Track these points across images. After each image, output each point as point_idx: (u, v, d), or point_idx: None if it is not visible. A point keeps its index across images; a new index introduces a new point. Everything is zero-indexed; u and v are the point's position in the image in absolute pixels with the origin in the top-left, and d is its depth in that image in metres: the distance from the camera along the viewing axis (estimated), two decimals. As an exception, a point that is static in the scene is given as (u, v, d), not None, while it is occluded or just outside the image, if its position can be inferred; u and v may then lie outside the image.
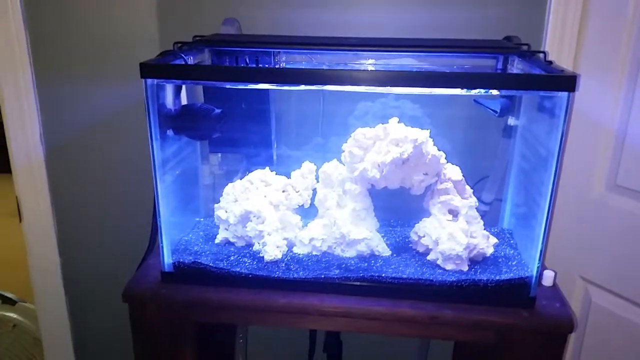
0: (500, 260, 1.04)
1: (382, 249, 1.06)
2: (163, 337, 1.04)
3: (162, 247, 1.01)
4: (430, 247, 1.04)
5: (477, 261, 1.03)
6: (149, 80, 0.90)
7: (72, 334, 1.54)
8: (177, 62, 0.96)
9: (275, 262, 1.03)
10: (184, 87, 1.05)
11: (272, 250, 1.03)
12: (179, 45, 1.01)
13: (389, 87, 0.92)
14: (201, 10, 1.23)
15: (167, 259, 1.02)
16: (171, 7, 1.24)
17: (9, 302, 1.77)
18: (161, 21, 1.25)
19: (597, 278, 1.20)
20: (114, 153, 1.37)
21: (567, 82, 0.84)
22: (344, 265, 1.02)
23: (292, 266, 1.02)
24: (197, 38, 1.08)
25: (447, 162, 1.03)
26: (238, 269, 1.01)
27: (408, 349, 1.49)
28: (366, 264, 1.03)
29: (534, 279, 0.96)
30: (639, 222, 1.10)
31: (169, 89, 1.00)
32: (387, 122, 1.01)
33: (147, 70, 0.89)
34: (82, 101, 1.32)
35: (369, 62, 1.11)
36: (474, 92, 0.91)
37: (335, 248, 1.06)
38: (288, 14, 1.21)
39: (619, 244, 1.14)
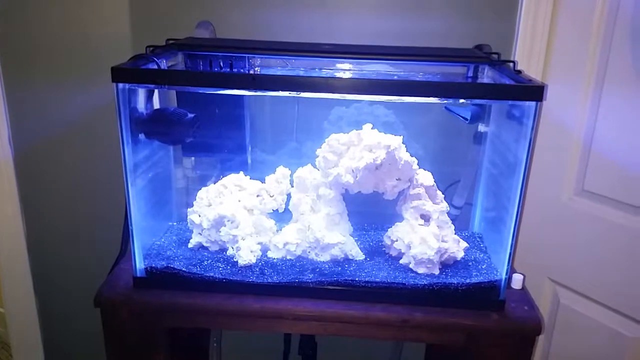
0: (470, 263, 1.06)
1: (356, 253, 1.07)
2: (136, 343, 1.03)
3: (134, 251, 1.00)
4: (402, 251, 1.05)
5: (448, 265, 1.05)
6: (121, 85, 0.89)
7: (43, 339, 1.51)
8: (150, 66, 0.95)
9: (249, 267, 1.03)
10: (156, 91, 1.04)
11: (246, 254, 1.03)
12: (152, 48, 1.00)
13: (362, 95, 0.93)
14: (175, 13, 1.22)
15: (139, 264, 1.01)
16: (144, 10, 1.23)
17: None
18: (134, 24, 1.23)
19: (565, 280, 1.24)
20: (85, 156, 1.35)
21: (535, 92, 0.86)
22: (318, 270, 1.03)
23: (266, 271, 1.03)
24: (171, 41, 1.07)
25: (420, 168, 1.04)
26: (211, 274, 1.01)
27: (382, 350, 1.50)
28: (340, 268, 1.04)
29: (503, 282, 0.98)
30: (606, 225, 1.13)
31: (141, 93, 0.99)
32: (361, 128, 1.02)
33: (119, 74, 0.88)
34: (53, 104, 1.30)
35: (343, 68, 1.12)
36: (445, 100, 0.93)
37: (309, 252, 1.07)
38: (262, 18, 1.21)
39: (586, 247, 1.17)
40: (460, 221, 1.23)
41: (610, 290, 1.15)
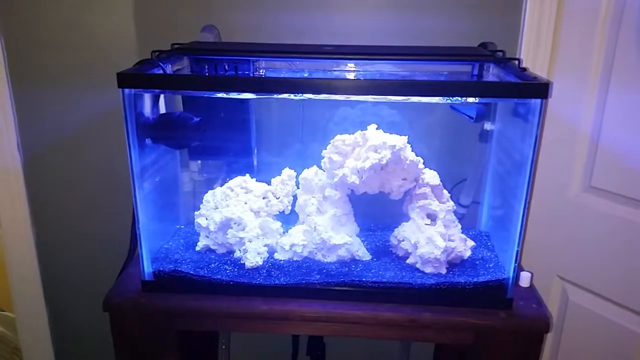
0: (477, 262, 1.06)
1: (363, 253, 1.07)
2: (145, 346, 1.04)
3: (142, 255, 1.00)
4: (409, 251, 1.05)
5: (455, 264, 1.05)
6: (127, 90, 0.90)
7: (53, 343, 1.52)
8: (155, 71, 0.96)
9: (256, 269, 1.03)
10: (162, 95, 1.05)
11: (253, 256, 1.04)
12: (157, 53, 1.01)
13: (367, 96, 0.93)
14: (179, 17, 1.23)
15: (147, 267, 1.02)
16: (149, 15, 1.23)
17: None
18: (139, 29, 1.24)
19: (574, 277, 1.23)
20: (93, 161, 1.36)
21: (540, 90, 0.86)
22: (324, 271, 1.03)
23: (273, 272, 1.03)
24: (176, 46, 1.07)
25: (425, 167, 1.04)
26: (219, 277, 1.02)
27: (390, 349, 1.50)
28: (347, 268, 1.04)
29: (510, 280, 0.98)
30: (614, 221, 1.12)
31: (147, 98, 1.00)
32: (366, 129, 1.02)
33: (125, 80, 0.89)
34: (60, 109, 1.31)
35: (348, 69, 1.12)
36: (450, 99, 0.93)
37: (316, 253, 1.07)
38: (266, 21, 1.21)
39: (594, 243, 1.17)
40: (467, 220, 1.23)
41: (620, 287, 1.14)
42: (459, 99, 0.91)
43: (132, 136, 0.93)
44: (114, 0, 1.23)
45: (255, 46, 1.13)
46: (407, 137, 1.01)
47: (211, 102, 1.11)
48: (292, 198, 1.12)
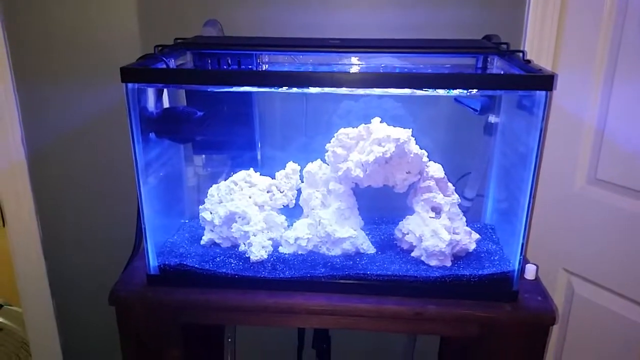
0: (482, 255, 1.06)
1: (367, 247, 1.07)
2: (150, 340, 1.04)
3: (147, 249, 1.01)
4: (414, 244, 1.05)
5: (460, 257, 1.05)
6: (130, 85, 0.90)
7: (60, 337, 1.54)
8: (158, 65, 0.96)
9: (261, 263, 1.04)
10: (165, 90, 1.05)
11: (257, 250, 1.04)
12: (160, 48, 1.01)
13: (371, 89, 0.93)
14: (182, 12, 1.22)
15: (153, 261, 1.02)
16: (152, 9, 1.23)
17: (-4, 306, 1.77)
18: (142, 23, 1.24)
19: (579, 270, 1.23)
20: (98, 155, 1.36)
21: (545, 82, 0.85)
22: (329, 264, 1.03)
23: (278, 266, 1.03)
24: (179, 41, 1.07)
25: (430, 160, 1.04)
26: (224, 270, 1.02)
27: (396, 342, 1.51)
28: (351, 262, 1.04)
29: (516, 273, 0.98)
30: (619, 214, 1.12)
31: (151, 93, 1.00)
32: (370, 122, 1.02)
33: (128, 74, 0.89)
34: (64, 104, 1.31)
35: (351, 63, 1.12)
36: (454, 91, 0.93)
37: (320, 247, 1.07)
38: (270, 15, 1.21)
39: (600, 236, 1.16)
40: (472, 213, 1.23)
41: (626, 280, 1.14)
42: (464, 91, 0.91)
43: (136, 131, 0.93)
44: (117, -4, 1.23)
45: (258, 40, 1.13)
46: (411, 130, 1.01)
47: (214, 96, 1.11)
48: (296, 192, 1.12)
